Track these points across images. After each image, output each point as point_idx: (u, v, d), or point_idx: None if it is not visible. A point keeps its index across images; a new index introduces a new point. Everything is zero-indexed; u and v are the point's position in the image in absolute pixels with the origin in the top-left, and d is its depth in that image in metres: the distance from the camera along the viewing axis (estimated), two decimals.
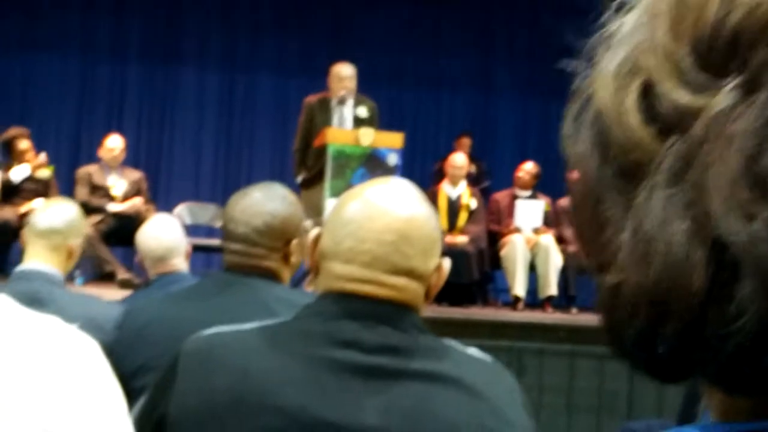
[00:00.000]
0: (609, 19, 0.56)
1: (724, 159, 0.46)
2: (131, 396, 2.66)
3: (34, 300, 3.32)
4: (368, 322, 1.78)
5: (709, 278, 0.47)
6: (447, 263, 1.91)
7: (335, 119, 8.68)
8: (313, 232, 1.91)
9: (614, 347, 0.55)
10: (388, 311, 1.80)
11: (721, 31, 0.48)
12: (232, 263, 2.79)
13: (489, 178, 11.46)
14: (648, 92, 0.51)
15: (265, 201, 2.79)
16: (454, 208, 9.57)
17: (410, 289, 1.82)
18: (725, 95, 0.47)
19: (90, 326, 3.17)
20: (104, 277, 8.74)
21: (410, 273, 1.81)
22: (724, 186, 0.46)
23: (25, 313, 1.26)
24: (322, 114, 8.70)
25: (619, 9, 0.56)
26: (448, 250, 9.22)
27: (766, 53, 0.47)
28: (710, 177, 0.47)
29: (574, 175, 0.58)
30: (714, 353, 0.49)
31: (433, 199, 9.38)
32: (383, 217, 1.80)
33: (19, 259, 3.75)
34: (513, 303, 9.32)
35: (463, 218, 9.55)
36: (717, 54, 0.49)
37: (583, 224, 0.56)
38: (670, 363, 0.52)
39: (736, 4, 0.48)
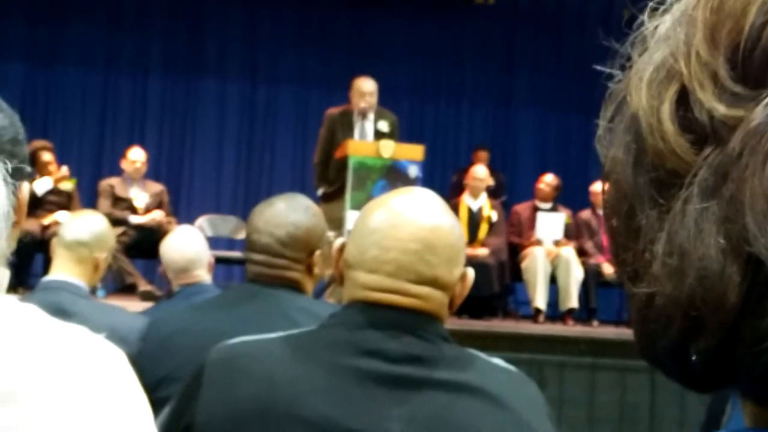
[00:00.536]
0: (644, 20, 0.55)
1: (760, 174, 0.46)
2: (155, 406, 2.67)
3: (58, 311, 3.32)
4: (393, 332, 1.78)
5: (743, 294, 0.47)
6: (471, 273, 1.91)
7: (356, 132, 8.70)
8: (338, 242, 1.91)
9: (646, 357, 0.54)
10: (412, 320, 1.80)
11: (758, 41, 0.48)
12: (255, 274, 2.80)
13: (506, 191, 11.46)
14: (683, 100, 0.50)
15: (288, 212, 2.80)
16: (474, 220, 9.57)
17: (435, 298, 1.82)
18: (763, 109, 0.47)
19: (114, 337, 3.18)
20: (126, 288, 8.77)
21: (435, 282, 1.82)
22: (759, 202, 0.46)
23: (53, 323, 1.27)
24: (344, 127, 8.72)
25: (654, 9, 0.55)
26: (469, 263, 9.21)
27: None
28: (746, 192, 0.46)
29: (602, 184, 0.57)
30: (746, 369, 0.48)
31: (454, 211, 9.34)
32: (408, 226, 1.80)
33: (42, 270, 3.78)
34: (534, 315, 9.30)
35: (483, 230, 9.54)
36: (754, 65, 0.48)
37: (615, 232, 0.56)
38: (702, 375, 0.51)
39: None
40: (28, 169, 1.40)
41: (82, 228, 3.61)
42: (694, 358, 0.50)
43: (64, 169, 9.29)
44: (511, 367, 1.94)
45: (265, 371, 1.78)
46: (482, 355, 1.92)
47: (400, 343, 1.78)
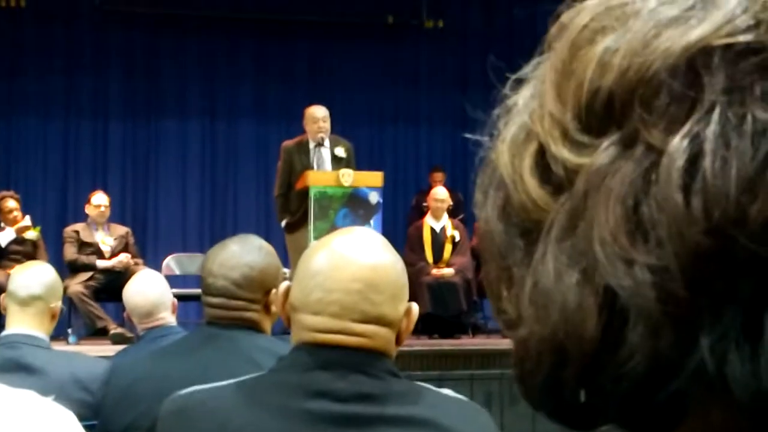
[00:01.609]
0: (508, 92, 0.60)
1: (606, 210, 0.49)
2: None
3: (20, 365, 3.35)
4: (341, 371, 1.80)
5: (601, 324, 0.50)
6: (415, 307, 1.94)
7: (314, 161, 8.73)
8: (283, 285, 1.94)
9: (527, 398, 0.57)
10: (359, 359, 1.82)
11: (597, 94, 0.52)
12: (213, 316, 2.81)
13: (465, 209, 11.51)
14: (541, 156, 0.54)
15: (242, 253, 2.81)
16: (438, 240, 9.61)
17: (380, 335, 1.84)
18: (603, 151, 0.50)
19: (76, 386, 3.22)
20: (97, 332, 8.74)
21: (380, 320, 1.83)
22: (606, 235, 0.49)
23: (2, 391, 1.30)
24: (301, 157, 8.75)
25: (518, 82, 0.60)
26: (435, 283, 9.31)
27: (639, 112, 0.50)
28: (593, 227, 0.50)
29: (482, 238, 0.61)
30: (610, 396, 0.51)
31: (418, 233, 9.42)
32: (349, 267, 1.82)
33: (5, 321, 3.77)
34: (502, 330, 9.27)
35: (448, 250, 9.58)
36: (595, 115, 0.52)
37: (492, 284, 0.58)
38: (575, 409, 0.54)
39: (609, 68, 0.51)
40: None
41: (34, 282, 3.60)
42: (564, 394, 0.53)
43: (27, 219, 9.27)
44: (462, 397, 1.96)
45: (218, 419, 1.80)
46: (432, 387, 1.93)
47: (348, 382, 1.80)
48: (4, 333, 3.60)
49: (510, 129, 0.57)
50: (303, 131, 8.99)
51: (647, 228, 0.48)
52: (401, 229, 10.29)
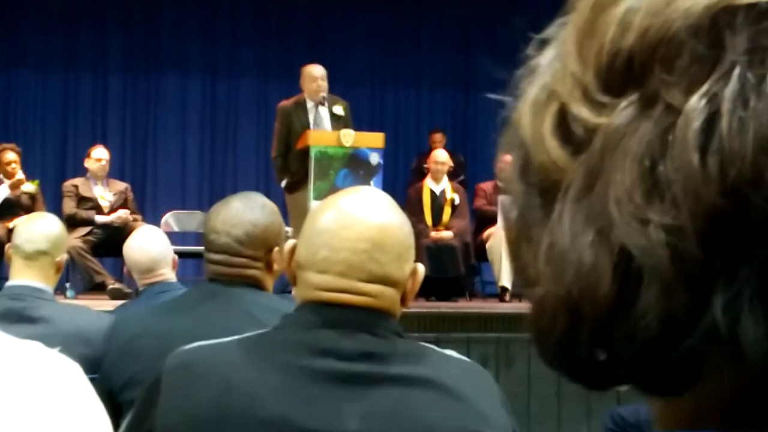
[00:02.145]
0: (532, 53, 0.60)
1: (622, 169, 0.50)
2: (121, 409, 2.71)
3: (23, 317, 3.35)
4: (346, 330, 1.80)
5: (615, 284, 0.50)
6: (421, 268, 1.94)
7: (312, 120, 8.72)
8: (289, 243, 1.94)
9: (542, 357, 0.57)
10: (365, 318, 1.82)
11: (618, 53, 0.52)
12: (215, 273, 2.81)
13: (466, 171, 11.53)
14: (563, 117, 0.54)
15: (245, 210, 2.81)
16: (438, 203, 9.62)
17: (386, 295, 1.85)
18: (622, 111, 0.51)
19: (79, 340, 3.23)
20: (95, 287, 8.76)
21: (385, 280, 1.84)
22: (622, 195, 0.50)
23: (8, 341, 1.30)
24: (300, 116, 8.73)
25: (541, 43, 0.59)
26: (434, 246, 9.33)
27: (659, 72, 0.50)
28: (609, 187, 0.50)
29: (503, 198, 0.62)
30: (624, 354, 0.52)
31: (417, 195, 9.43)
32: (356, 226, 1.82)
33: (6, 273, 3.76)
34: (500, 294, 9.36)
35: (447, 213, 9.60)
36: (616, 75, 0.52)
37: (513, 244, 0.59)
38: (589, 367, 0.54)
39: (630, 28, 0.52)
40: None
41: (40, 236, 3.59)
42: (579, 353, 0.54)
43: (20, 174, 9.25)
44: (465, 359, 1.97)
45: (222, 375, 1.80)
46: (436, 348, 1.94)
47: (353, 340, 1.80)
48: (9, 284, 3.61)
49: (532, 89, 0.58)
50: (302, 91, 8.97)
51: (663, 188, 0.49)
52: (401, 191, 10.27)
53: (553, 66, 0.57)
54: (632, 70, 0.52)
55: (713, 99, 0.48)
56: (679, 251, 0.48)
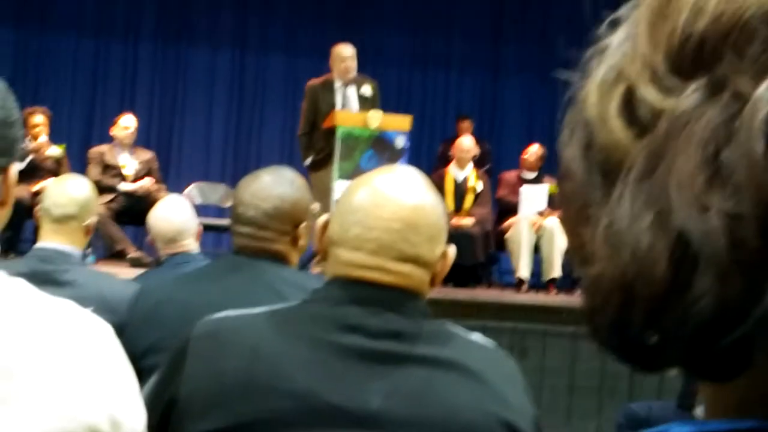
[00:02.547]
0: (603, 33, 0.60)
1: (686, 154, 0.50)
2: (141, 375, 2.71)
3: (50, 280, 3.37)
4: (374, 308, 1.81)
5: (671, 268, 0.51)
6: (452, 250, 1.94)
7: (339, 100, 8.73)
8: (322, 219, 1.94)
9: (593, 335, 0.58)
10: (393, 297, 1.83)
11: (689, 37, 0.52)
12: (241, 246, 2.82)
13: (492, 159, 11.52)
14: (630, 98, 0.54)
15: (274, 185, 2.81)
16: (460, 190, 9.61)
17: (416, 276, 1.85)
18: (689, 95, 0.51)
19: (103, 306, 3.26)
20: (115, 255, 8.79)
21: (416, 260, 1.84)
22: (684, 180, 0.50)
23: (43, 299, 1.32)
24: (327, 96, 8.74)
25: (613, 23, 0.59)
26: (454, 232, 9.29)
27: (729, 58, 0.50)
28: (671, 172, 0.51)
29: (558, 181, 0.62)
30: (675, 338, 0.52)
31: (440, 181, 9.42)
32: (391, 205, 1.83)
33: (32, 236, 3.77)
34: (517, 285, 9.35)
35: (469, 201, 9.59)
36: (686, 59, 0.52)
37: (570, 221, 0.60)
38: (640, 349, 0.55)
39: (703, 12, 0.52)
40: (18, 150, 1.41)
41: (68, 200, 3.58)
42: (630, 333, 0.54)
43: (42, 138, 9.26)
44: (490, 343, 1.97)
45: (249, 345, 1.81)
46: (462, 331, 1.95)
47: (381, 319, 1.81)
48: (37, 246, 3.62)
49: (601, 69, 0.57)
50: (330, 70, 8.97)
51: (725, 175, 0.49)
52: (424, 176, 10.23)
53: (623, 47, 0.57)
54: (703, 55, 0.52)
55: None
56: (738, 238, 0.48)
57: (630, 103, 0.54)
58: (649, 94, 0.53)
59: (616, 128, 0.54)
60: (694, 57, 0.52)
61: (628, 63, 0.55)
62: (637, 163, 0.52)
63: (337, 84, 8.79)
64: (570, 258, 0.62)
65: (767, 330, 0.49)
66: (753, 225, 0.48)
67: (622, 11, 0.59)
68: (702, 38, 0.52)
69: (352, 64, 8.79)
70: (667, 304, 0.51)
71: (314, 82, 8.97)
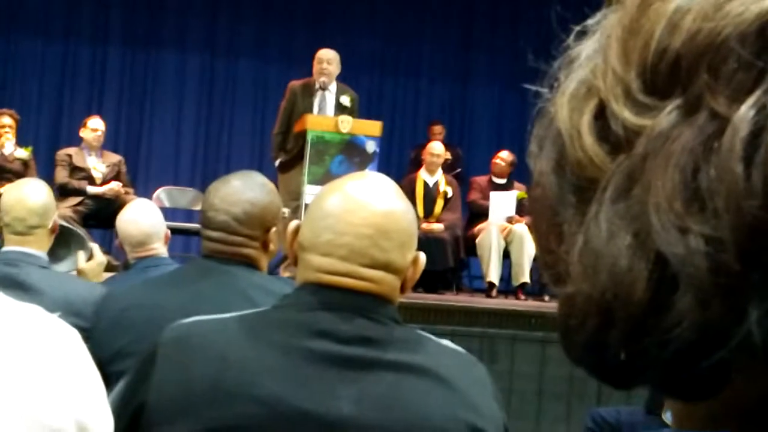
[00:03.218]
0: (571, 44, 0.59)
1: (664, 175, 0.49)
2: (109, 380, 2.69)
3: (15, 283, 3.34)
4: (344, 314, 1.81)
5: (650, 289, 0.50)
6: (423, 257, 1.95)
7: (316, 104, 8.74)
8: (293, 224, 1.94)
9: (568, 354, 0.57)
10: (364, 303, 1.83)
11: (664, 55, 0.51)
12: (211, 250, 2.81)
13: (462, 165, 11.56)
14: (601, 113, 0.54)
15: (244, 189, 2.81)
16: (431, 195, 9.63)
17: (387, 281, 1.85)
18: (666, 115, 0.50)
19: (69, 310, 3.22)
20: None
21: (387, 266, 1.85)
22: (662, 201, 0.49)
23: (6, 302, 1.30)
24: (305, 99, 8.76)
25: (581, 34, 0.59)
26: (424, 237, 9.31)
27: (705, 77, 0.50)
28: (650, 193, 0.50)
29: (529, 194, 0.61)
30: (654, 360, 0.51)
31: (411, 186, 9.43)
32: (361, 211, 1.83)
33: None
34: (487, 290, 9.39)
35: (439, 206, 9.61)
36: (661, 77, 0.51)
37: (541, 237, 0.59)
38: (616, 369, 0.54)
39: (679, 30, 0.51)
40: None
41: (28, 212, 3.54)
42: (607, 354, 0.53)
43: (9, 141, 9.20)
44: (460, 349, 1.97)
45: (219, 351, 1.80)
46: (432, 337, 1.95)
47: (351, 324, 1.81)
48: (3, 249, 3.59)
49: (571, 82, 0.57)
50: (303, 74, 9.00)
51: (704, 197, 0.48)
52: (395, 181, 10.25)
53: (593, 60, 0.56)
54: (678, 73, 0.51)
55: (761, 110, 0.47)
56: (718, 262, 0.48)
57: (601, 119, 0.53)
58: (622, 111, 0.52)
59: (588, 144, 0.53)
60: (668, 75, 0.51)
61: (599, 78, 0.54)
62: (613, 182, 0.52)
63: (316, 88, 8.80)
64: (542, 274, 0.60)
65: (747, 353, 0.49)
66: (733, 249, 0.47)
67: (591, 21, 0.59)
68: (677, 56, 0.51)
69: (327, 68, 8.81)
70: (646, 326, 0.51)
71: (295, 83, 9.02)
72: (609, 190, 0.52)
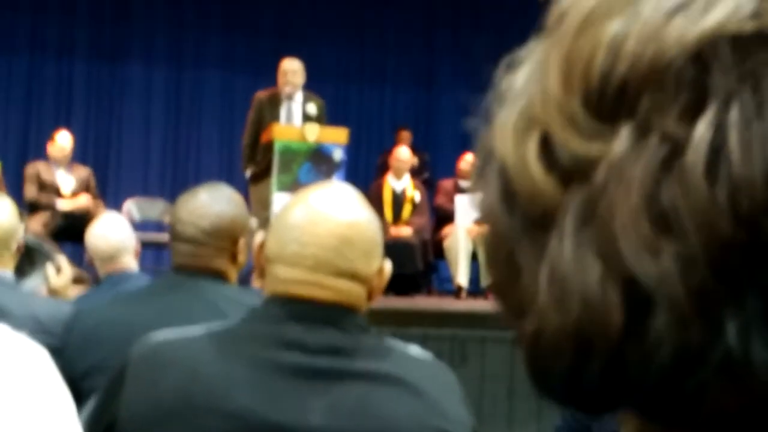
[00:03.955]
0: (502, 76, 0.58)
1: (626, 200, 0.49)
2: (81, 398, 2.70)
3: None
4: (312, 324, 1.83)
5: (625, 315, 0.49)
6: (389, 265, 1.97)
7: (283, 114, 8.73)
8: (259, 237, 1.96)
9: (539, 388, 0.55)
10: (331, 313, 1.85)
11: (608, 81, 0.51)
12: (181, 264, 2.81)
13: (429, 169, 11.58)
14: (546, 143, 0.52)
15: (212, 202, 2.82)
16: (398, 200, 9.65)
17: (353, 291, 1.87)
18: (619, 141, 0.50)
19: (37, 328, 3.21)
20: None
21: (353, 276, 1.86)
22: (628, 225, 0.48)
23: None
24: (272, 109, 8.75)
25: (510, 66, 0.58)
26: (393, 242, 9.33)
27: (651, 100, 0.49)
28: (616, 220, 0.49)
29: (483, 226, 0.59)
30: (636, 386, 0.51)
31: (378, 192, 9.45)
32: (326, 222, 1.85)
33: None
34: (456, 292, 9.41)
35: (407, 210, 9.63)
36: (607, 103, 0.51)
37: (498, 273, 0.57)
38: (594, 398, 0.53)
39: (621, 57, 0.51)
40: None
41: None
42: (586, 384, 0.52)
43: None
44: (428, 355, 1.99)
45: (188, 366, 1.81)
46: (400, 344, 1.96)
47: (319, 335, 1.82)
48: None
49: (508, 114, 0.56)
50: (270, 83, 8.99)
51: (671, 218, 0.48)
52: (362, 188, 10.22)
53: (529, 89, 0.55)
54: (624, 98, 0.51)
55: (717, 128, 0.48)
56: (692, 281, 0.48)
57: (547, 148, 0.52)
58: (568, 140, 0.51)
59: (536, 174, 0.52)
60: (614, 100, 0.51)
61: (539, 107, 0.53)
62: (572, 211, 0.51)
63: (283, 97, 8.81)
64: (500, 311, 0.58)
65: (727, 369, 0.48)
66: (706, 267, 0.47)
67: (521, 52, 0.58)
68: (623, 82, 0.51)
69: (293, 79, 8.80)
70: (625, 353, 0.50)
71: (261, 94, 9.01)
72: (569, 220, 0.51)
